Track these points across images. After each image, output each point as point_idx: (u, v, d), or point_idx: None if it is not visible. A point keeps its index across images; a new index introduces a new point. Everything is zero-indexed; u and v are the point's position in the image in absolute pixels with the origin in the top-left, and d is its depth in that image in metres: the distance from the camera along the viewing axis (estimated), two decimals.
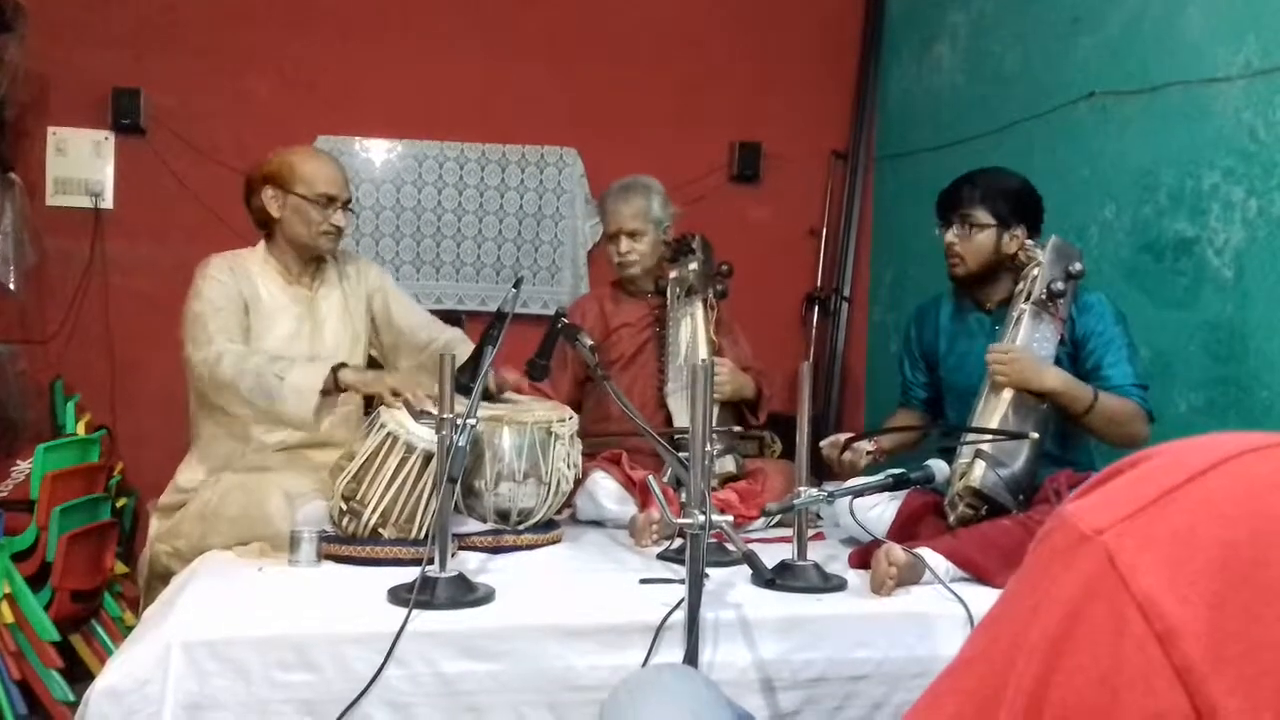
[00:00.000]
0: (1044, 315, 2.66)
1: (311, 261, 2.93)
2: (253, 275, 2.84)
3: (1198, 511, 0.54)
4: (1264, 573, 0.52)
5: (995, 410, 2.59)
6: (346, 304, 2.96)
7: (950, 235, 2.81)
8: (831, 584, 2.32)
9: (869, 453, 2.80)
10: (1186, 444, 0.60)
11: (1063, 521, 0.58)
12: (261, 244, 2.91)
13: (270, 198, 2.82)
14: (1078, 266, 2.67)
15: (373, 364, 3.02)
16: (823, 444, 2.83)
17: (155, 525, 2.80)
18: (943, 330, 2.97)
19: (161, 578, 2.64)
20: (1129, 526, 0.55)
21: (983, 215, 2.76)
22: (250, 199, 2.87)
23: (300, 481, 2.61)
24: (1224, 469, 0.56)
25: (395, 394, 2.58)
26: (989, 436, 2.55)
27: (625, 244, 3.31)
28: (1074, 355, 2.69)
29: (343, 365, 2.68)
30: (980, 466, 2.53)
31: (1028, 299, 2.68)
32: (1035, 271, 2.70)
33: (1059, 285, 2.64)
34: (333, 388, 2.63)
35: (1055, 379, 2.57)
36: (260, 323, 2.80)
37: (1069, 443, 2.74)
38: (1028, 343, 2.63)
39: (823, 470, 3.05)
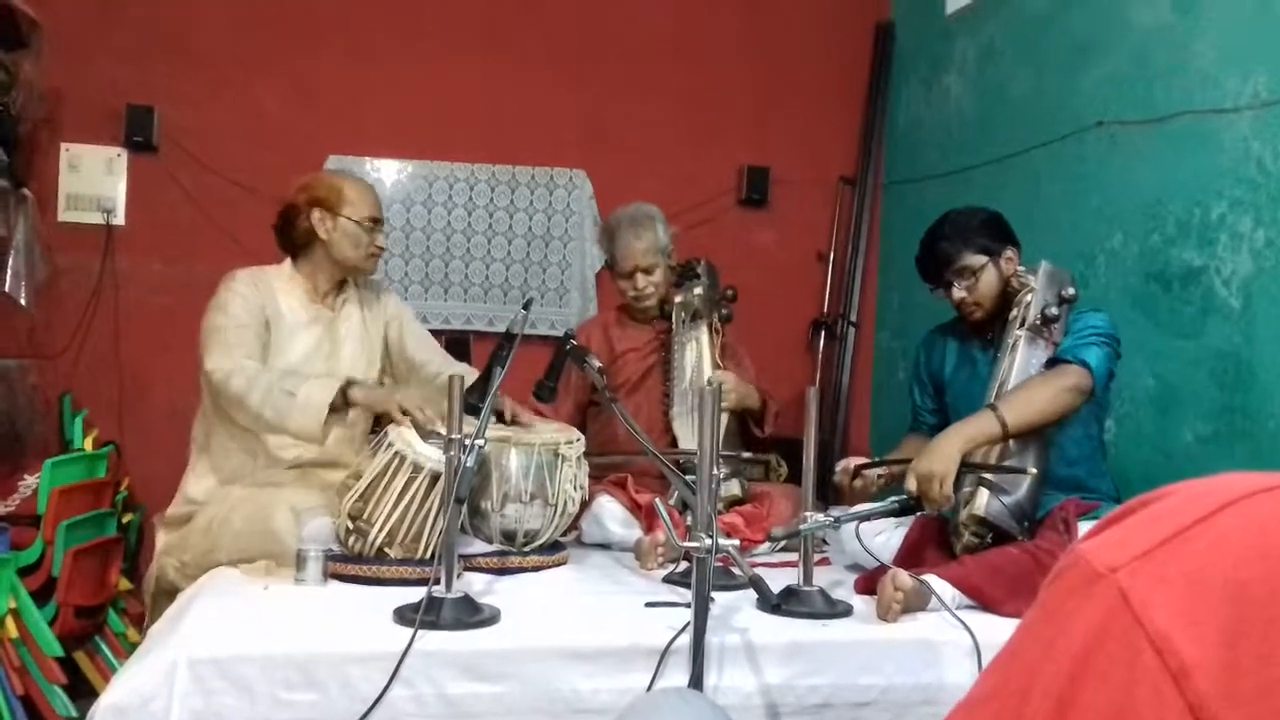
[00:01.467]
0: (1039, 340, 2.67)
1: (338, 283, 2.97)
2: (275, 292, 2.86)
3: (1211, 550, 0.55)
4: (1276, 611, 0.53)
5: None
6: (365, 328, 3.00)
7: (957, 292, 2.81)
8: (837, 609, 2.32)
9: (880, 477, 2.80)
10: (1199, 483, 0.60)
11: (1076, 559, 0.58)
12: (288, 263, 2.94)
13: (318, 220, 2.85)
14: (1070, 291, 2.68)
15: None
16: (835, 470, 2.84)
17: (162, 539, 2.81)
18: (949, 358, 2.99)
19: (168, 593, 2.64)
20: (1142, 565, 0.55)
21: (975, 258, 2.78)
22: (294, 221, 2.88)
23: (307, 497, 2.62)
24: (1237, 508, 0.56)
25: (404, 411, 2.60)
26: (991, 469, 2.55)
27: (642, 280, 3.31)
28: None
29: (352, 382, 2.70)
30: (984, 495, 2.53)
31: (1022, 325, 2.69)
32: (1029, 298, 2.71)
33: (1053, 310, 2.65)
34: (342, 404, 2.66)
35: (957, 443, 2.50)
36: (280, 339, 2.83)
37: (1079, 464, 2.75)
38: (1024, 368, 2.64)
39: (829, 495, 3.05)
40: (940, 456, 2.49)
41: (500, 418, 2.78)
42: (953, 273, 2.80)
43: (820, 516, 2.39)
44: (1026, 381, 2.59)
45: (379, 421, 2.80)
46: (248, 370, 2.68)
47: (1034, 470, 2.50)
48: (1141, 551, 0.56)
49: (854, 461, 2.82)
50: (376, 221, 2.91)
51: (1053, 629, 0.57)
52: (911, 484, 2.50)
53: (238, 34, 4.32)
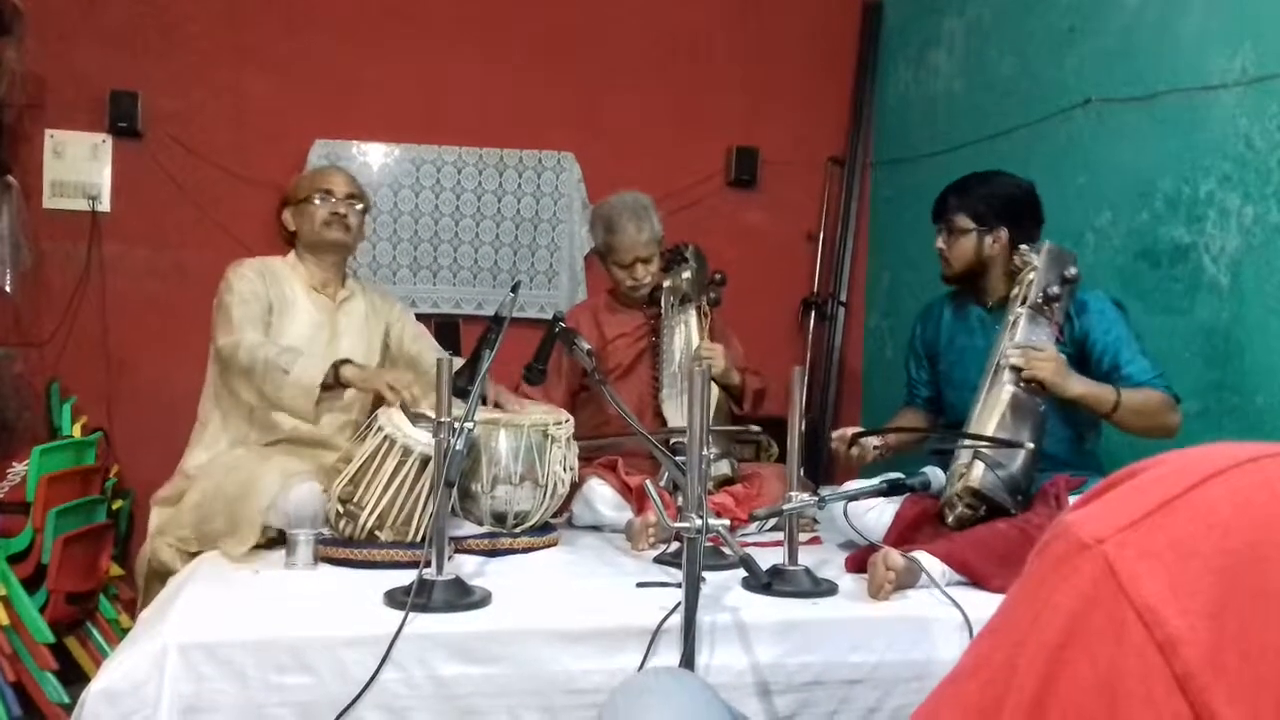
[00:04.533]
0: (1040, 319, 2.68)
1: (335, 271, 3.06)
2: (280, 279, 2.97)
3: (1197, 521, 0.55)
4: (1262, 581, 0.53)
5: (994, 410, 2.60)
6: (367, 325, 3.08)
7: (939, 240, 2.89)
8: (822, 589, 2.32)
9: (875, 448, 2.81)
10: (1185, 454, 0.60)
11: (1063, 531, 0.58)
12: (292, 254, 3.06)
13: (288, 219, 3.03)
14: (1072, 271, 2.69)
15: None
16: (832, 436, 2.85)
17: (155, 517, 2.81)
18: (944, 327, 3.01)
19: (160, 575, 2.64)
20: (1129, 536, 0.55)
21: (963, 220, 2.83)
22: (281, 226, 3.07)
23: (298, 462, 2.64)
24: (1222, 479, 0.56)
25: (392, 390, 2.60)
26: (987, 442, 2.55)
27: (642, 270, 3.29)
28: (1077, 357, 2.70)
29: (345, 361, 2.71)
30: (979, 467, 2.53)
31: (1023, 303, 2.70)
32: (1031, 276, 2.72)
33: (1055, 289, 2.66)
34: (334, 382, 2.67)
35: (1077, 387, 2.59)
36: (283, 323, 2.91)
37: (1078, 448, 2.76)
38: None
39: (817, 474, 3.06)
40: (1065, 373, 2.58)
41: (483, 402, 2.79)
42: (943, 220, 2.88)
43: (804, 496, 2.39)
44: (1150, 394, 2.62)
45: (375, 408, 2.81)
46: (250, 342, 2.75)
47: (1030, 445, 2.51)
48: (1128, 522, 0.56)
49: (851, 430, 2.83)
50: (329, 191, 2.99)
51: (1039, 601, 0.57)
52: (1027, 355, 2.58)
53: (222, 18, 4.28)
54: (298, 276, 3.01)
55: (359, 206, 3.04)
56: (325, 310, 3.00)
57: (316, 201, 2.96)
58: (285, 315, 2.92)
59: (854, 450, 2.79)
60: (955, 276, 2.90)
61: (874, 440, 2.81)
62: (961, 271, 2.87)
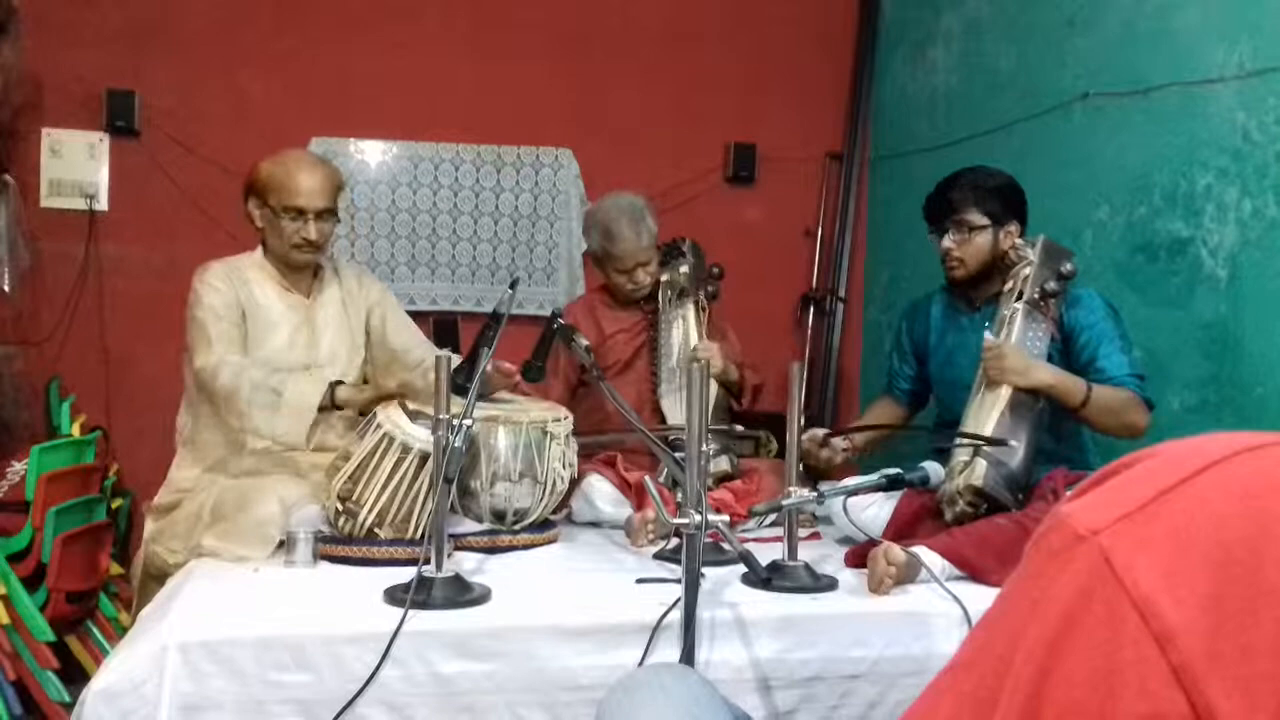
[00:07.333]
0: (1036, 315, 2.67)
1: (305, 270, 2.90)
2: (250, 282, 2.82)
3: (1193, 512, 0.55)
4: (1258, 573, 0.53)
5: (992, 409, 2.59)
6: (346, 315, 2.95)
7: (948, 241, 2.82)
8: (821, 584, 2.32)
9: (843, 450, 2.82)
10: (1181, 444, 0.60)
11: (1059, 522, 0.58)
12: (259, 250, 2.90)
13: (254, 208, 2.82)
14: (1069, 267, 2.68)
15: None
16: (803, 439, 2.85)
17: (150, 526, 2.80)
18: (934, 326, 3.00)
19: (156, 579, 2.63)
20: (1125, 527, 0.55)
21: (977, 217, 2.79)
22: (245, 207, 2.86)
23: (296, 488, 2.61)
24: (1218, 469, 0.56)
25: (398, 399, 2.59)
26: (967, 441, 2.55)
27: (642, 274, 3.26)
28: (1065, 350, 2.70)
29: (339, 383, 2.69)
30: (982, 465, 2.53)
31: (1019, 298, 2.69)
32: (1026, 271, 2.71)
33: (1052, 285, 2.65)
34: (329, 404, 2.65)
35: (1045, 375, 2.58)
36: (257, 329, 2.79)
37: (1064, 440, 2.76)
38: (1021, 342, 2.64)
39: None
40: (1024, 365, 2.57)
41: (481, 390, 2.74)
42: (951, 221, 2.81)
43: (803, 492, 2.39)
44: (1120, 392, 2.62)
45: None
46: (233, 365, 2.66)
47: (1014, 443, 2.51)
48: (1124, 513, 0.56)
49: (820, 432, 2.84)
50: (301, 212, 2.75)
51: (1036, 592, 0.57)
52: (987, 344, 2.58)
53: (219, 16, 4.28)
54: (268, 276, 2.85)
55: (333, 221, 2.85)
56: (300, 309, 2.86)
57: (287, 221, 2.76)
58: (260, 322, 2.79)
59: (824, 452, 2.80)
60: (968, 277, 2.84)
61: (841, 442, 2.82)
62: (976, 271, 2.82)
